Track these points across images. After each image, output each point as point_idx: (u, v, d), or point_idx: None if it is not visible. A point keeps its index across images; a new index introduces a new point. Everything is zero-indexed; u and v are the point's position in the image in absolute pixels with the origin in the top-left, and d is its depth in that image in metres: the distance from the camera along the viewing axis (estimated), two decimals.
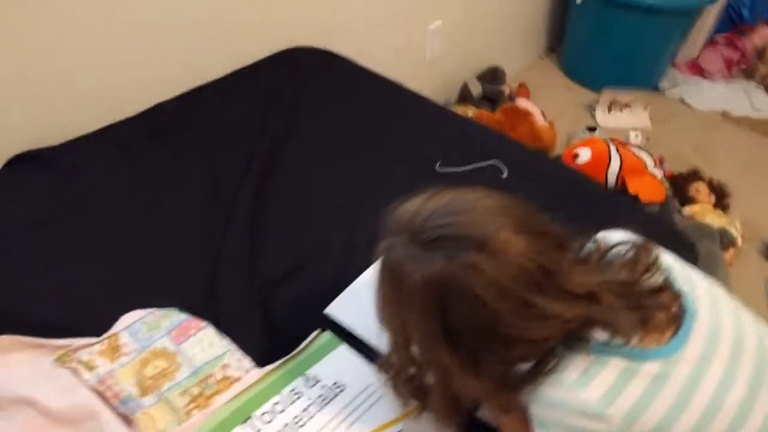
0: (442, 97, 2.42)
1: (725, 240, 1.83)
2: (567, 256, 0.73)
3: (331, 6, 1.83)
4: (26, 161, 1.29)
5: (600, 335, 0.73)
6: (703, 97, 2.67)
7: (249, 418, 0.88)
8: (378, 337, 0.85)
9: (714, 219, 1.91)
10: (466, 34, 2.36)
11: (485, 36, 2.47)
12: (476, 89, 2.37)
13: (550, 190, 1.27)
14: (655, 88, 2.69)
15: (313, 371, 0.95)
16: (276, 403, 0.90)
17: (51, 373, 0.92)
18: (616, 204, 1.29)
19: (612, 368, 0.72)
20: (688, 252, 1.22)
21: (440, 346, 0.72)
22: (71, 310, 1.02)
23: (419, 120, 1.49)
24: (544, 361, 0.75)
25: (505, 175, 1.32)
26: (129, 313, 0.99)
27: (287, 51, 1.67)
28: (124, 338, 0.96)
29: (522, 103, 2.30)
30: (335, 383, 0.94)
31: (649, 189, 1.93)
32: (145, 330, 0.97)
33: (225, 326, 1.01)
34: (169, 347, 0.95)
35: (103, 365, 0.93)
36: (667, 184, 2.05)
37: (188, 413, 0.89)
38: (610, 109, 2.53)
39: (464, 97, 2.38)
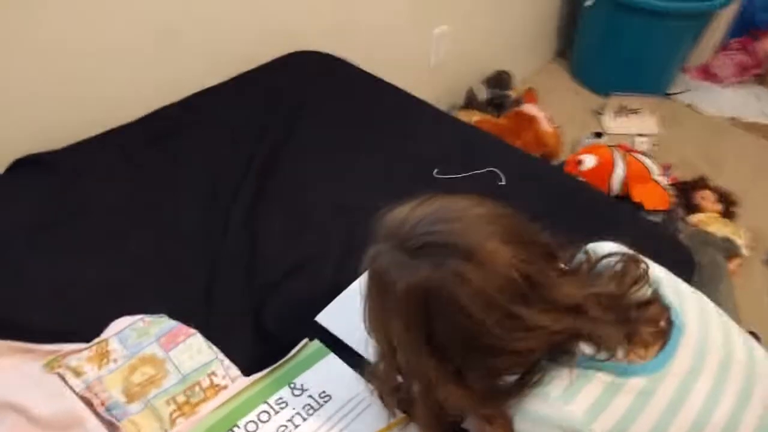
0: (448, 102, 2.40)
1: (729, 249, 1.80)
2: (555, 267, 0.72)
3: (336, 10, 1.83)
4: (28, 165, 1.30)
5: (586, 349, 0.72)
6: (714, 102, 2.64)
7: (234, 427, 0.88)
8: (367, 346, 0.85)
9: (719, 227, 1.89)
10: (473, 39, 2.35)
11: (492, 40, 2.46)
12: (482, 94, 2.36)
13: (548, 198, 1.26)
14: (665, 94, 2.66)
15: (300, 380, 0.95)
16: (261, 413, 0.90)
17: (40, 378, 0.93)
18: (615, 213, 1.28)
19: (597, 383, 0.72)
20: (687, 262, 1.20)
21: (424, 355, 0.72)
22: (69, 314, 1.03)
23: (419, 124, 1.49)
24: (529, 373, 0.74)
25: (503, 182, 1.31)
26: (119, 319, 1.00)
27: (291, 55, 1.68)
28: (113, 344, 0.96)
29: (528, 108, 2.28)
30: (322, 393, 0.93)
31: (654, 196, 1.91)
32: (135, 336, 0.97)
33: (219, 331, 1.02)
34: (158, 354, 0.95)
35: (91, 371, 0.93)
36: (672, 192, 2.02)
37: (173, 421, 0.89)
38: (618, 115, 2.50)
39: (470, 102, 2.37)
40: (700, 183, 2.08)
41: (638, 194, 1.91)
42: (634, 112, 2.49)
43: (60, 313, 1.02)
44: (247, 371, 0.96)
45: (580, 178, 1.96)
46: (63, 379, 0.93)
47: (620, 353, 0.71)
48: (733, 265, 1.84)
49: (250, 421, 0.89)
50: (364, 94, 1.55)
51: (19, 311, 1.02)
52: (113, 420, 0.89)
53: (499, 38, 2.48)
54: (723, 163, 2.35)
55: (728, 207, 2.03)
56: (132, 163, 1.30)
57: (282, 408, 0.91)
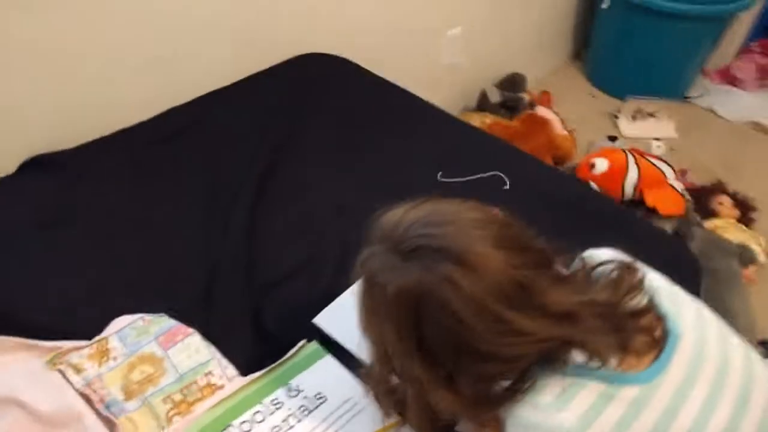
0: (461, 103, 2.40)
1: (746, 256, 1.77)
2: (548, 274, 0.71)
3: (348, 12, 1.83)
4: (38, 165, 1.33)
5: (578, 357, 0.71)
6: (734, 106, 2.58)
7: (228, 426, 0.89)
8: (363, 349, 0.85)
9: (736, 234, 1.85)
10: (487, 41, 2.34)
11: (507, 43, 2.45)
12: (495, 96, 2.35)
13: (553, 203, 1.25)
14: (683, 97, 2.62)
15: (296, 381, 0.95)
16: (256, 413, 0.91)
17: (41, 375, 0.94)
18: (621, 219, 1.25)
19: (589, 391, 0.70)
20: (694, 270, 1.18)
21: (414, 358, 0.71)
22: (71, 311, 1.05)
23: (425, 127, 1.49)
24: (521, 380, 0.73)
25: (507, 186, 1.30)
26: (119, 317, 1.01)
27: (299, 57, 1.69)
28: (113, 342, 0.97)
29: (541, 111, 2.26)
30: (317, 394, 0.93)
31: (668, 201, 1.87)
32: (134, 335, 0.98)
33: (218, 331, 1.02)
34: (157, 353, 0.97)
35: (91, 369, 0.94)
36: (688, 197, 1.99)
37: (170, 419, 0.90)
38: (634, 118, 2.47)
39: (482, 104, 2.36)
40: (717, 188, 2.04)
41: (652, 199, 1.87)
42: (651, 115, 2.45)
43: (62, 311, 1.04)
44: (245, 371, 0.97)
45: (592, 184, 1.94)
46: (64, 375, 0.94)
47: (613, 362, 0.70)
48: (750, 272, 1.80)
49: (245, 421, 0.89)
50: (369, 96, 1.56)
51: (23, 308, 1.04)
52: (111, 417, 0.90)
53: (513, 40, 2.46)
54: (742, 169, 2.30)
55: (746, 213, 1.98)
56: (137, 164, 1.32)
57: (277, 408, 0.91)
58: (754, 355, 0.79)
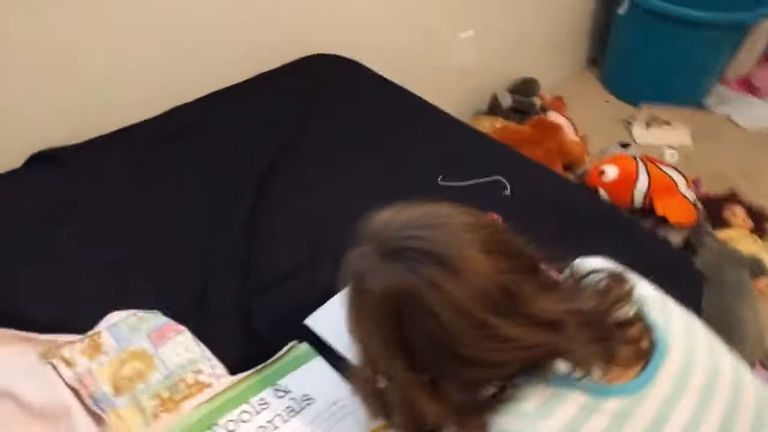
0: (472, 107, 2.38)
1: (757, 268, 1.73)
2: (535, 281, 0.70)
3: (359, 13, 1.84)
4: (43, 160, 1.35)
5: (562, 366, 0.70)
6: (753, 115, 2.53)
7: (214, 425, 0.89)
8: (353, 351, 0.85)
9: (748, 245, 1.81)
10: (500, 45, 2.33)
11: (520, 47, 2.43)
12: (506, 101, 2.33)
13: (554, 210, 1.24)
14: (700, 105, 2.57)
15: (284, 382, 0.95)
16: (243, 412, 0.91)
17: (34, 368, 0.95)
18: (623, 227, 1.23)
19: (572, 402, 0.69)
20: (695, 279, 1.16)
21: (398, 361, 0.71)
22: (68, 305, 1.06)
23: (429, 130, 1.48)
24: (504, 388, 0.73)
25: (508, 192, 1.29)
26: (112, 312, 1.02)
27: (308, 58, 1.69)
28: (106, 338, 0.98)
29: (553, 116, 2.24)
30: (305, 396, 0.93)
31: (678, 210, 1.84)
32: (127, 331, 0.99)
33: (210, 329, 1.03)
34: (148, 349, 0.97)
35: (82, 363, 0.95)
36: (700, 207, 1.95)
37: (156, 416, 0.90)
38: (648, 125, 2.43)
39: (493, 108, 2.34)
40: (731, 198, 2.00)
41: (662, 207, 1.84)
42: (666, 123, 2.41)
43: (59, 304, 1.05)
44: (234, 371, 0.97)
45: (601, 191, 1.92)
46: (56, 369, 0.95)
47: (597, 373, 0.69)
48: (761, 284, 1.76)
49: (231, 420, 0.89)
50: (375, 98, 1.55)
51: (22, 300, 1.06)
52: (100, 412, 0.90)
53: (527, 44, 2.44)
54: (759, 178, 2.25)
55: (759, 224, 1.94)
56: (139, 162, 1.33)
57: (264, 409, 0.91)
58: (743, 368, 0.77)
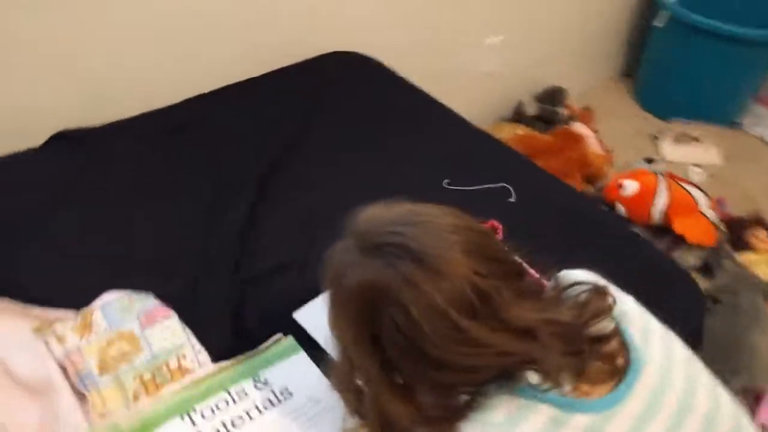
0: (496, 113, 2.36)
1: None
2: (514, 287, 0.68)
3: (385, 14, 1.84)
4: (61, 141, 1.39)
5: (532, 377, 0.68)
6: None
7: (191, 410, 0.90)
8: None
9: None
10: (529, 51, 2.30)
11: (550, 54, 2.39)
12: (531, 108, 2.30)
13: (557, 220, 1.21)
14: (733, 124, 2.49)
15: (265, 374, 0.95)
16: (221, 401, 0.91)
17: (28, 341, 0.98)
18: (625, 241, 1.21)
19: (540, 415, 0.68)
20: (694, 296, 1.12)
21: (368, 358, 0.70)
22: (67, 282, 1.08)
23: (439, 132, 1.47)
24: (475, 396, 0.72)
25: (512, 199, 1.27)
26: (106, 293, 1.04)
27: (327, 55, 1.70)
28: (97, 317, 1.00)
29: (577, 127, 2.20)
30: (284, 389, 0.94)
31: (697, 230, 1.79)
32: (118, 311, 1.01)
33: (199, 317, 1.04)
34: (136, 331, 0.99)
35: (72, 340, 0.97)
36: (722, 228, 1.89)
37: (136, 398, 0.92)
38: (677, 142, 2.37)
39: (518, 115, 2.31)
40: (755, 220, 1.93)
41: (680, 226, 1.79)
42: (696, 140, 2.35)
43: (58, 281, 1.08)
44: (219, 359, 0.98)
45: (618, 205, 1.88)
46: (47, 345, 0.97)
47: (567, 386, 0.68)
48: None
49: (208, 408, 0.90)
50: (387, 97, 1.55)
51: (23, 274, 1.09)
52: (83, 390, 0.92)
53: (558, 53, 2.41)
54: None
55: None
56: (150, 149, 1.36)
57: (242, 399, 0.92)
58: (721, 391, 0.75)
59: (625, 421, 0.68)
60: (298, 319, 1.03)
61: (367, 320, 0.68)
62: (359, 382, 0.80)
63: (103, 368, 0.95)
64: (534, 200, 1.26)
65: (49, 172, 1.31)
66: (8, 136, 1.35)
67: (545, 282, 0.80)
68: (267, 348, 0.99)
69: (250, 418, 0.90)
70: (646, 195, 1.84)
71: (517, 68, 2.31)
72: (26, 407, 0.93)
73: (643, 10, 2.55)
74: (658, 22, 2.39)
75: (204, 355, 0.97)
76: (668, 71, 2.46)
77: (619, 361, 0.70)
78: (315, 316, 1.03)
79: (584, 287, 0.75)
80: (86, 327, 0.99)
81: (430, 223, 0.69)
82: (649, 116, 2.57)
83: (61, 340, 0.98)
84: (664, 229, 1.87)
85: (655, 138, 2.41)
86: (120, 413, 0.90)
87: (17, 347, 0.98)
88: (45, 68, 1.39)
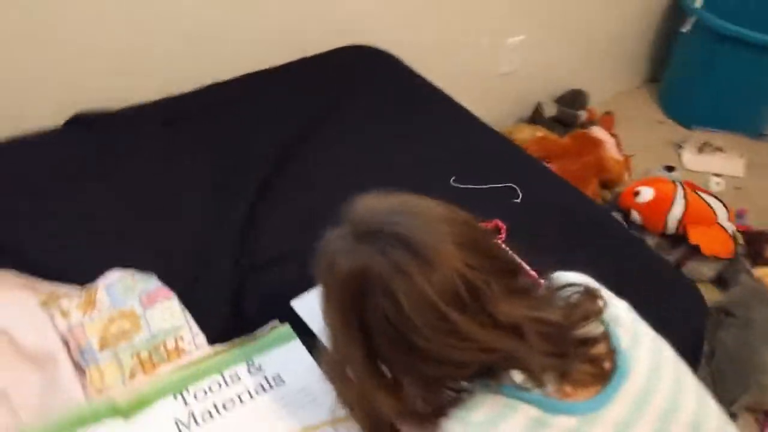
0: (514, 114, 2.35)
1: None
2: (503, 283, 0.68)
3: (407, 9, 1.84)
4: (79, 123, 1.42)
5: (516, 376, 0.68)
6: None
7: (184, 391, 0.91)
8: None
9: None
10: (550, 53, 2.28)
11: (573, 57, 2.37)
12: (550, 111, 2.28)
13: (560, 223, 1.21)
14: (760, 135, 2.43)
15: (259, 360, 0.97)
16: (213, 383, 0.93)
17: (33, 314, 1.00)
18: (629, 246, 1.19)
19: (522, 415, 0.68)
20: (693, 299, 1.11)
21: (356, 347, 0.71)
22: (73, 259, 1.11)
23: (451, 130, 1.47)
24: (459, 393, 0.72)
25: (518, 199, 1.26)
26: (111, 271, 1.06)
27: (345, 48, 1.71)
28: (101, 295, 1.03)
29: (596, 131, 2.18)
30: (276, 376, 0.95)
31: (713, 241, 1.76)
32: (121, 290, 1.03)
33: (199, 301, 1.05)
34: (137, 310, 1.01)
35: (76, 316, 1.00)
36: (740, 240, 1.85)
37: (132, 375, 0.94)
38: (700, 151, 2.32)
39: (536, 117, 2.30)
40: None
41: (695, 236, 1.76)
42: (719, 150, 2.30)
43: (67, 257, 1.11)
44: (215, 343, 1.00)
45: (634, 212, 1.85)
46: (52, 318, 1.00)
47: (550, 387, 0.68)
48: None
49: (201, 389, 0.92)
50: (402, 94, 1.55)
51: (33, 249, 1.12)
52: (83, 364, 0.95)
53: (581, 55, 2.38)
54: None
55: None
56: (166, 134, 1.38)
57: (234, 382, 0.93)
58: (708, 400, 0.74)
59: (609, 425, 0.67)
60: (296, 307, 1.04)
61: (357, 307, 0.68)
62: (348, 372, 0.81)
63: (104, 345, 0.97)
64: (539, 202, 1.26)
65: (66, 153, 1.34)
66: (27, 116, 1.39)
67: (541, 282, 0.80)
68: (263, 334, 1.01)
69: (241, 401, 0.91)
70: (662, 203, 1.81)
71: (537, 69, 2.29)
72: (29, 377, 0.95)
73: (670, 15, 2.51)
74: (684, 28, 2.35)
75: (201, 338, 0.99)
76: (693, 78, 2.41)
77: (606, 364, 0.70)
78: (312, 305, 1.04)
79: (576, 289, 0.75)
80: (90, 304, 1.02)
81: (424, 214, 0.70)
82: (673, 124, 2.53)
83: (65, 314, 1.00)
84: (679, 239, 1.84)
85: (678, 146, 2.37)
86: (116, 389, 0.92)
87: (23, 319, 1.01)
88: (67, 50, 1.42)
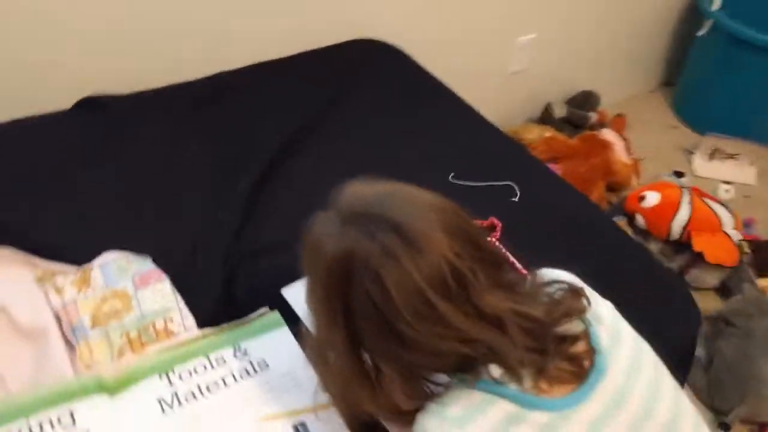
0: (524, 113, 2.33)
1: None
2: (489, 273, 0.68)
3: (417, 7, 1.84)
4: (89, 106, 1.44)
5: (494, 371, 0.68)
6: None
7: (170, 371, 0.93)
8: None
9: None
10: (562, 53, 2.26)
11: (585, 58, 2.35)
12: (560, 111, 2.27)
13: (556, 224, 1.20)
14: None
15: (245, 344, 0.98)
16: (199, 365, 0.94)
17: (29, 290, 1.03)
18: (625, 251, 1.19)
19: (498, 410, 0.68)
20: (687, 304, 1.10)
21: (338, 330, 0.70)
22: (72, 238, 1.13)
23: (456, 128, 1.47)
24: (434, 385, 0.72)
25: (516, 198, 1.26)
26: (107, 252, 1.08)
27: (353, 42, 1.71)
28: (96, 274, 1.04)
29: (606, 133, 2.16)
30: (261, 361, 0.96)
31: (718, 249, 1.74)
32: (115, 271, 1.05)
33: (191, 285, 1.07)
34: (129, 291, 1.03)
35: (70, 293, 1.02)
36: (746, 249, 1.83)
37: (121, 353, 0.95)
38: (711, 157, 2.29)
39: (545, 117, 2.28)
40: None
41: (700, 243, 1.75)
42: (731, 156, 2.27)
43: (66, 237, 1.13)
44: (204, 326, 1.01)
45: (638, 217, 1.84)
46: (47, 295, 1.02)
47: (527, 383, 0.67)
48: None
49: (186, 370, 0.93)
50: (410, 89, 1.56)
51: (34, 227, 1.14)
52: (74, 341, 0.97)
53: (594, 56, 2.36)
54: None
55: None
56: (171, 120, 1.40)
57: (220, 365, 0.95)
58: (685, 403, 0.74)
59: (583, 423, 0.68)
60: (286, 294, 1.05)
61: (342, 290, 0.68)
62: (330, 359, 0.81)
63: (95, 323, 0.99)
64: (538, 202, 1.25)
65: (73, 134, 1.36)
66: (38, 98, 1.41)
67: (527, 277, 0.80)
68: (252, 320, 1.02)
69: (225, 384, 0.92)
70: (667, 208, 1.79)
71: (548, 69, 2.27)
72: (23, 353, 0.98)
73: (687, 18, 2.48)
74: (701, 31, 2.32)
75: (190, 321, 1.01)
76: (708, 83, 2.38)
77: (585, 363, 0.70)
78: (302, 294, 1.05)
79: (560, 286, 0.75)
80: (85, 282, 1.04)
81: (413, 201, 0.69)
82: (686, 128, 2.50)
83: (59, 291, 1.02)
84: (683, 246, 1.83)
85: (689, 152, 2.34)
86: (104, 366, 0.94)
87: (20, 295, 1.03)
88: (76, 35, 1.44)
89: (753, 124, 2.34)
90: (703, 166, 2.27)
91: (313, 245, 0.72)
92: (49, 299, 1.01)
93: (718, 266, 1.77)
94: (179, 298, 1.03)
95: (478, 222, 1.16)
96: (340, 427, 0.87)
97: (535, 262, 0.84)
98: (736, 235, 1.80)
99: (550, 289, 0.74)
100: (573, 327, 0.72)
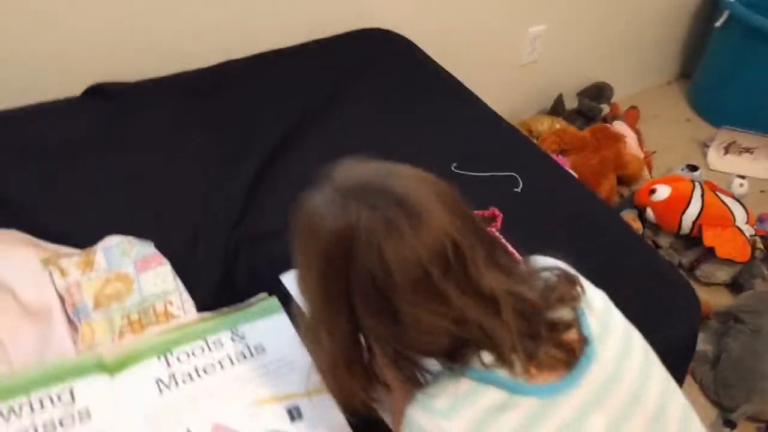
0: (535, 105, 2.32)
1: None
2: (489, 254, 0.68)
3: None
4: (96, 93, 1.46)
5: (485, 357, 0.68)
6: None
7: (167, 352, 0.94)
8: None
9: None
10: (574, 44, 2.24)
11: (598, 49, 2.32)
12: (571, 103, 2.24)
13: (557, 216, 1.20)
14: None
15: (243, 328, 0.99)
16: (197, 348, 0.96)
17: (35, 271, 1.05)
18: (627, 244, 1.18)
19: (486, 397, 0.68)
20: (689, 297, 1.09)
21: (333, 308, 0.70)
22: (76, 221, 1.15)
23: (461, 119, 1.46)
24: (424, 372, 0.73)
25: (519, 189, 1.25)
26: (110, 236, 1.10)
27: (360, 31, 1.71)
28: (99, 257, 1.06)
29: (617, 126, 2.13)
30: (258, 345, 0.97)
31: (729, 244, 1.71)
32: (118, 254, 1.07)
33: (192, 269, 1.08)
34: (131, 274, 1.04)
35: (74, 275, 1.04)
36: (760, 245, 1.80)
37: (122, 334, 0.97)
38: (726, 151, 2.26)
39: (556, 109, 2.26)
40: None
41: (711, 238, 1.72)
42: (747, 151, 2.23)
43: (72, 221, 1.15)
44: (203, 310, 1.02)
45: (648, 211, 1.82)
46: (51, 276, 1.05)
47: (518, 368, 0.67)
48: None
49: (184, 352, 0.95)
50: (415, 79, 1.55)
51: (40, 211, 1.16)
52: (76, 321, 0.99)
53: (607, 48, 2.33)
54: None
55: None
56: (177, 108, 1.41)
57: (217, 348, 0.96)
58: (674, 391, 0.74)
59: (572, 409, 0.67)
60: (285, 281, 1.06)
61: (341, 266, 0.66)
62: (324, 341, 0.81)
63: (97, 304, 1.01)
64: (542, 194, 1.25)
65: (80, 121, 1.38)
66: (49, 85, 1.43)
67: (519, 259, 0.79)
68: (250, 305, 1.03)
69: (222, 367, 0.94)
70: (678, 202, 1.77)
71: (561, 60, 2.25)
72: (27, 332, 1.00)
73: (705, 9, 2.43)
74: (718, 22, 2.27)
75: (190, 304, 1.02)
76: (725, 76, 2.34)
77: (575, 350, 0.70)
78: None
79: (555, 272, 0.74)
80: (88, 264, 1.06)
81: (411, 177, 0.68)
82: (702, 122, 2.46)
83: (63, 273, 1.04)
84: (694, 240, 1.80)
85: (704, 145, 2.31)
86: (105, 346, 0.96)
87: (25, 275, 1.05)
88: (84, 25, 1.46)
89: None
90: (717, 160, 2.24)
91: (309, 222, 0.69)
92: (54, 280, 1.04)
93: (730, 261, 1.74)
94: (179, 282, 1.04)
95: (478, 213, 1.16)
96: (333, 411, 0.88)
97: (535, 253, 0.84)
98: (748, 231, 1.77)
99: (545, 275, 0.74)
100: (564, 314, 0.72)
